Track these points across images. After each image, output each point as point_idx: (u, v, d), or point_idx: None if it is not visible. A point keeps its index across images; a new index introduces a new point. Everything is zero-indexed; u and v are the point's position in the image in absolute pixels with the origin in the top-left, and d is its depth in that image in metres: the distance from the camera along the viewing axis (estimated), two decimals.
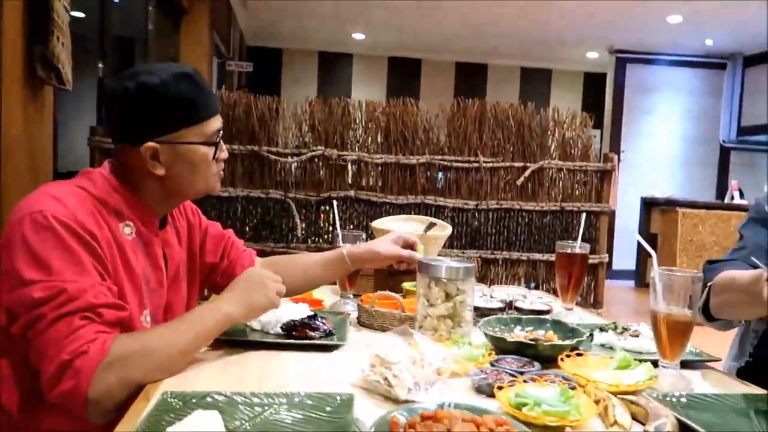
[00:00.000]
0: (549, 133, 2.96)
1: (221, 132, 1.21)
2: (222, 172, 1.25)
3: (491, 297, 1.62)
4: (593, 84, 9.13)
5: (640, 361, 1.14)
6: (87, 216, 1.04)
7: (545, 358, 1.18)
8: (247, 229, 2.84)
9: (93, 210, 1.07)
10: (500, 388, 0.97)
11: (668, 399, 1.00)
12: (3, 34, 2.00)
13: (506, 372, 1.07)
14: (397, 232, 1.58)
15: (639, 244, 7.03)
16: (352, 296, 1.66)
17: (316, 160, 2.86)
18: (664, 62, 8.24)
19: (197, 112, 1.15)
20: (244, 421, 0.85)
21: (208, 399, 0.90)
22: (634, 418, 0.93)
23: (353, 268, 1.55)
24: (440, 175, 2.96)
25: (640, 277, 7.02)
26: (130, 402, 0.94)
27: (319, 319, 1.33)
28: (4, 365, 1.04)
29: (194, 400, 0.88)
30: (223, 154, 1.23)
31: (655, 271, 1.14)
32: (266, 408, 0.89)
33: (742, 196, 7.31)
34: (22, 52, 2.11)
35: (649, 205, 6.94)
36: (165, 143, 1.13)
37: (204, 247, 1.40)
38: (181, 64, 1.18)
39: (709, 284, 1.36)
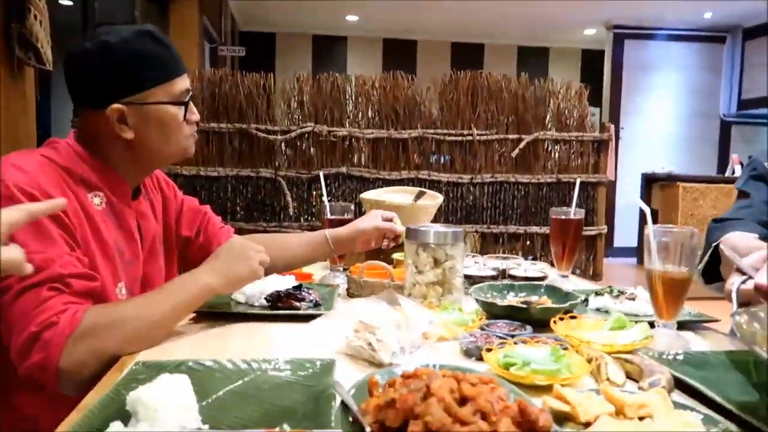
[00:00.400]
0: (544, 104, 2.89)
1: (190, 92, 1.16)
2: (196, 135, 1.20)
3: (484, 265, 1.58)
4: (591, 61, 9.02)
5: (636, 322, 1.10)
6: (51, 185, 1.00)
7: (538, 322, 1.14)
8: (237, 209, 2.79)
9: (58, 179, 1.02)
10: (489, 350, 0.94)
11: (664, 357, 0.96)
12: None
13: (496, 335, 1.04)
14: (376, 210, 1.57)
15: (640, 218, 6.99)
16: (341, 270, 1.62)
17: (306, 137, 2.80)
18: (663, 37, 8.13)
19: (162, 70, 1.11)
20: (219, 388, 0.81)
21: (183, 368, 0.86)
22: (628, 376, 0.90)
23: (337, 252, 1.51)
24: (434, 157, 2.90)
25: (641, 254, 6.96)
26: (104, 374, 0.90)
27: (305, 290, 1.29)
28: None
29: (167, 369, 0.84)
30: (194, 116, 1.18)
31: (650, 228, 1.10)
32: (244, 375, 0.86)
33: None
34: None
35: (649, 181, 6.87)
36: (131, 104, 1.08)
37: (179, 221, 1.36)
38: (142, 24, 1.13)
39: (713, 244, 1.31)
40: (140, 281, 1.18)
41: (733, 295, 0.97)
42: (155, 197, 1.29)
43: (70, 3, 4.97)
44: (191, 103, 1.17)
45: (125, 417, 0.69)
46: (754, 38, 7.95)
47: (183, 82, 1.14)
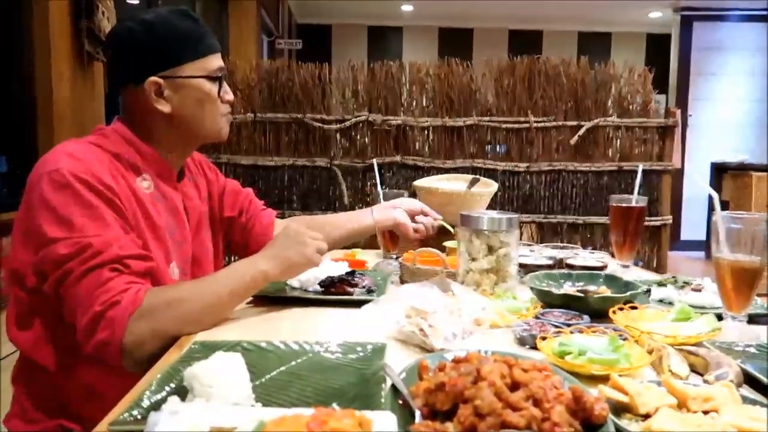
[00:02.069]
0: (605, 89, 2.79)
1: (224, 71, 1.21)
2: (230, 116, 1.25)
3: (540, 254, 1.54)
4: (657, 46, 8.64)
5: (702, 314, 1.05)
6: (104, 171, 1.04)
7: (596, 312, 1.10)
8: (294, 198, 2.84)
9: (109, 165, 1.07)
10: (544, 338, 0.91)
11: (733, 349, 0.92)
12: (50, 11, 2.04)
13: (552, 324, 1.01)
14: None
15: (709, 210, 6.66)
16: (395, 258, 1.62)
17: (360, 126, 2.81)
18: (734, 18, 7.68)
19: (197, 46, 1.15)
20: (272, 369, 0.83)
21: (237, 348, 0.88)
22: (693, 369, 0.86)
23: (379, 220, 1.55)
24: (489, 146, 2.86)
25: (710, 248, 6.61)
26: (165, 353, 0.94)
27: (359, 276, 1.30)
28: (38, 324, 1.06)
29: (222, 349, 0.87)
30: (228, 96, 1.22)
31: (718, 214, 1.04)
32: (296, 356, 0.87)
33: None
34: (69, 28, 2.16)
35: (719, 170, 6.54)
36: (168, 78, 1.13)
37: (222, 202, 1.41)
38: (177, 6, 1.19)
39: None
40: (190, 262, 1.22)
41: None
42: (200, 180, 1.34)
43: (136, 1, 5.15)
44: (225, 83, 1.21)
45: (183, 393, 0.72)
46: None
47: (216, 60, 1.18)
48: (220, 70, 1.19)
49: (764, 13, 7.60)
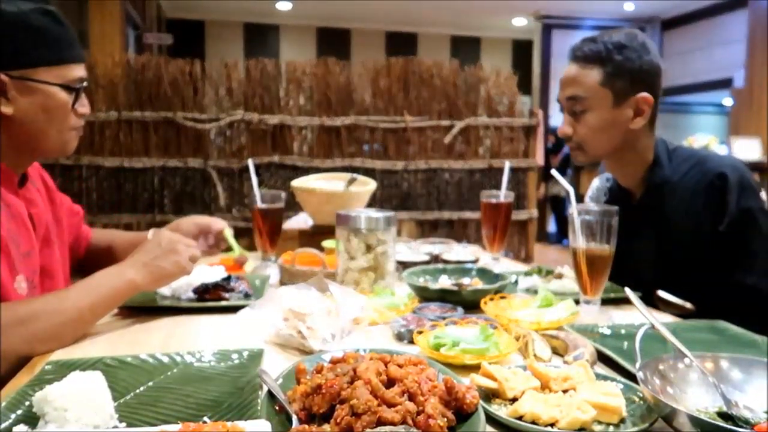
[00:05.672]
0: (475, 90, 2.93)
1: (84, 83, 1.11)
2: (80, 131, 1.15)
3: (417, 250, 1.59)
4: (521, 51, 9.25)
5: (562, 299, 1.13)
6: None
7: (469, 304, 1.15)
8: (165, 201, 2.68)
9: None
10: (420, 332, 0.94)
11: (589, 331, 1.00)
12: None
13: (428, 318, 1.04)
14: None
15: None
16: (274, 259, 1.58)
17: (236, 125, 2.72)
18: (587, 27, 8.42)
19: (58, 52, 1.06)
20: (140, 384, 0.77)
21: (98, 365, 0.81)
22: (555, 351, 0.92)
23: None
24: (367, 145, 2.89)
25: None
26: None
27: (235, 281, 1.25)
28: None
29: (80, 367, 0.80)
30: (83, 109, 1.13)
31: (573, 207, 1.13)
32: (167, 369, 0.82)
33: None
34: None
35: (578, 168, 7.13)
36: (17, 78, 1.02)
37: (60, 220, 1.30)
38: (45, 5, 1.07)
39: None
40: (39, 273, 1.11)
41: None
42: (40, 186, 1.22)
43: None
44: (83, 94, 1.12)
45: (33, 420, 0.65)
46: (671, 29, 8.37)
47: (79, 70, 1.10)
48: (80, 81, 1.10)
49: (611, 24, 8.40)
